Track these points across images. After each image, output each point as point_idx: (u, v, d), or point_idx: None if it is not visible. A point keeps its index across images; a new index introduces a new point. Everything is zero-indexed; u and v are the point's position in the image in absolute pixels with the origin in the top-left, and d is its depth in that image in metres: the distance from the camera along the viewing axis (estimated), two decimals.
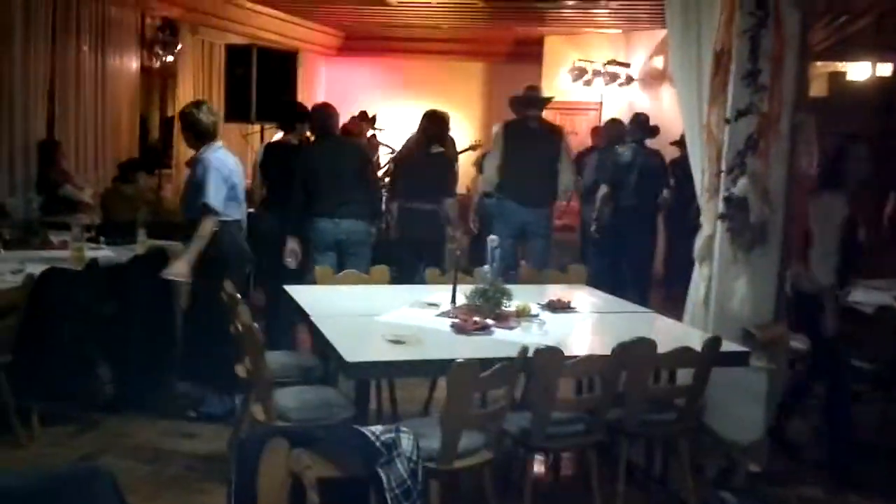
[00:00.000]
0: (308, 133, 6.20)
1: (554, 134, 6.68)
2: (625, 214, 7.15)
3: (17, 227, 5.66)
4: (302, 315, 4.00)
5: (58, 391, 4.61)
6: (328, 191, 5.71)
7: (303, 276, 5.57)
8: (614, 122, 8.26)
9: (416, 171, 6.52)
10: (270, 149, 6.53)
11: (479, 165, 8.63)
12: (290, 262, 5.68)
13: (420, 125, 6.76)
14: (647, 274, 7.59)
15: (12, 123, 7.10)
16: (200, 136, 4.87)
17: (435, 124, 6.65)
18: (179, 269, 4.73)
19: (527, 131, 6.56)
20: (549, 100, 6.98)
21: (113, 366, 4.99)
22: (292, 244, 5.68)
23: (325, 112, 6.08)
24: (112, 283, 4.97)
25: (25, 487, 1.93)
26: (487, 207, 7.12)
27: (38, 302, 4.40)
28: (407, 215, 6.48)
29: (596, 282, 5.37)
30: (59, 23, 7.52)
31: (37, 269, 4.52)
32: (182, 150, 9.49)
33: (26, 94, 7.20)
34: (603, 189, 7.18)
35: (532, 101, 6.64)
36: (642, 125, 7.44)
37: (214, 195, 4.71)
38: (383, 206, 7.12)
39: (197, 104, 5.00)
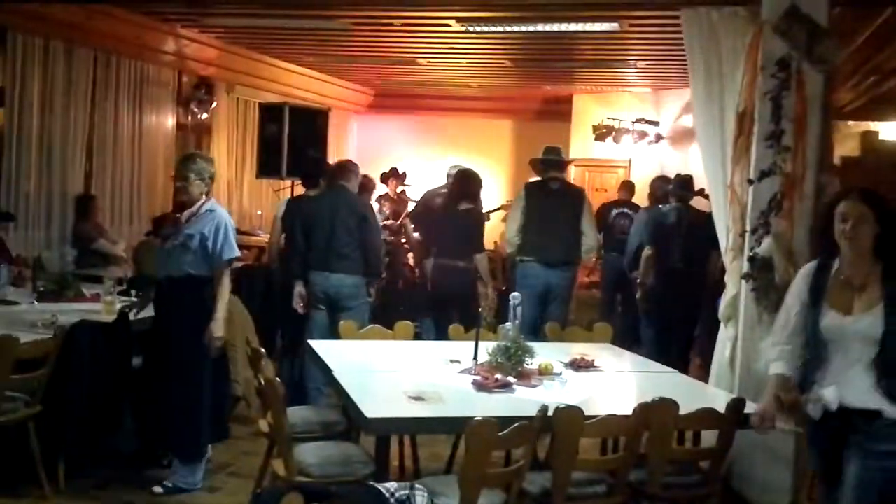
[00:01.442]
0: None
1: (574, 194, 6.68)
2: (671, 278, 6.72)
3: (52, 280, 5.76)
4: (324, 370, 4.02)
5: (85, 443, 4.65)
6: (321, 243, 5.83)
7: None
8: (662, 180, 8.05)
9: (448, 227, 6.58)
10: (292, 203, 6.65)
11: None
12: (299, 306, 5.86)
13: (452, 182, 6.85)
14: (690, 340, 7.28)
15: (51, 178, 7.29)
16: (208, 186, 4.65)
17: (467, 182, 6.72)
18: (221, 330, 4.57)
19: (547, 192, 6.57)
20: (568, 162, 6.98)
21: (139, 418, 5.02)
22: (299, 288, 5.85)
23: (336, 165, 6.28)
24: (141, 336, 5.03)
25: None
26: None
27: (69, 353, 4.47)
28: (439, 272, 6.54)
29: (651, 354, 5.35)
30: (98, 80, 7.75)
31: (69, 321, 4.60)
32: None
33: (65, 150, 7.41)
34: (647, 251, 6.88)
35: (551, 163, 6.65)
36: (685, 184, 7.18)
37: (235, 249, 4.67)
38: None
39: (202, 154, 4.95)
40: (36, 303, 5.36)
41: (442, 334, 5.74)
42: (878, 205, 3.06)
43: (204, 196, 4.60)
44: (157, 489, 4.53)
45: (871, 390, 3.00)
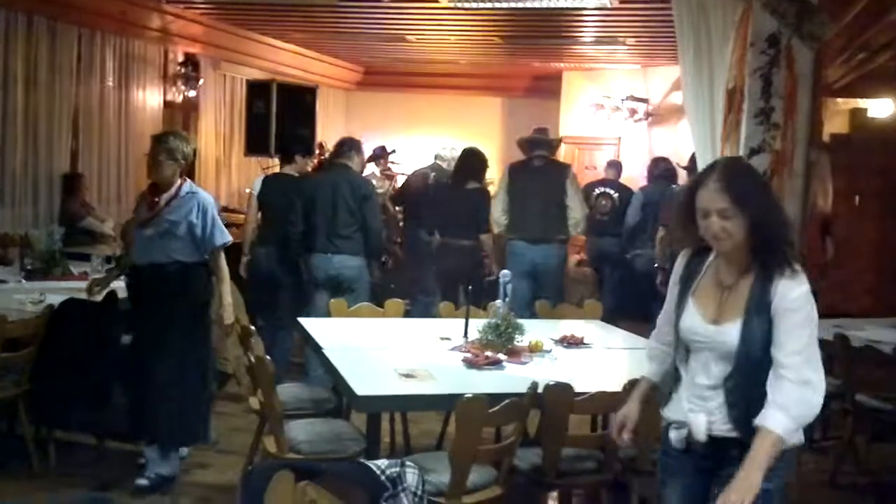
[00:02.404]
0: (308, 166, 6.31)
1: (558, 169, 6.66)
2: None
3: (39, 258, 5.74)
4: (314, 347, 4.03)
5: (74, 421, 4.65)
6: (323, 224, 5.81)
7: (298, 309, 5.62)
8: (662, 161, 8.10)
9: (455, 206, 6.59)
10: (268, 181, 6.52)
11: None
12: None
13: (459, 161, 6.83)
14: None
15: (37, 156, 7.23)
16: (181, 167, 4.42)
17: (472, 160, 6.70)
18: (231, 316, 4.50)
19: (530, 170, 6.55)
20: (557, 141, 6.94)
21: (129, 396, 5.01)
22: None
23: (337, 143, 6.26)
24: (129, 313, 5.01)
25: None
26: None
27: (57, 332, 4.46)
28: (446, 250, 6.58)
29: None
30: (83, 57, 7.66)
31: (57, 300, 4.58)
32: (203, 183, 9.61)
33: (51, 128, 7.34)
34: (661, 232, 6.85)
35: (538, 142, 6.62)
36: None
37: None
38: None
39: (176, 133, 4.71)
40: (24, 281, 5.33)
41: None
42: (745, 192, 2.38)
43: (178, 178, 4.39)
44: (142, 482, 4.32)
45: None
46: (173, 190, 4.39)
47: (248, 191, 6.26)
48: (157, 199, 4.41)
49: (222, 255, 4.50)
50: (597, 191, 8.61)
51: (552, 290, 6.36)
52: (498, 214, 6.56)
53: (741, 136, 4.32)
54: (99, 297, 4.74)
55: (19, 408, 4.36)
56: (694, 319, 2.51)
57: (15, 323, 4.28)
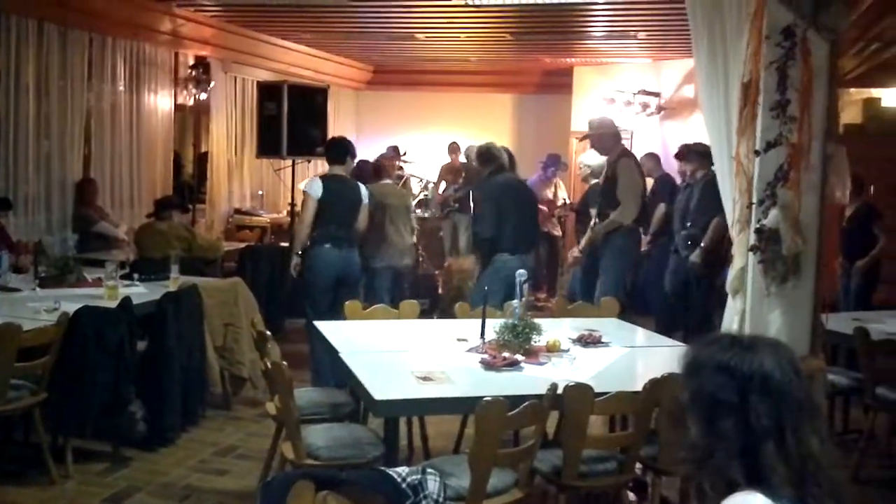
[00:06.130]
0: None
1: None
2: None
3: (53, 265, 5.73)
4: (330, 351, 4.00)
5: (91, 428, 4.65)
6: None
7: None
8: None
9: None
10: (328, 183, 6.21)
11: None
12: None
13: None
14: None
15: (49, 163, 7.24)
16: None
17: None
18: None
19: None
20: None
21: (146, 403, 5.01)
22: (296, 260, 6.18)
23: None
24: (144, 319, 5.01)
25: None
26: None
27: (72, 340, 4.45)
28: None
29: None
30: (94, 62, 7.67)
31: (71, 307, 4.57)
32: (215, 186, 9.62)
33: (63, 134, 7.34)
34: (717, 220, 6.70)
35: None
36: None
37: None
38: None
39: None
40: (38, 289, 5.32)
41: None
42: None
43: None
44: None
45: None
46: None
47: (304, 191, 6.26)
48: None
49: None
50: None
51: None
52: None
53: (757, 130, 4.27)
54: None
55: (35, 416, 4.35)
56: None
57: (30, 332, 4.26)
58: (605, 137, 6.74)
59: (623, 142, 7.01)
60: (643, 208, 6.71)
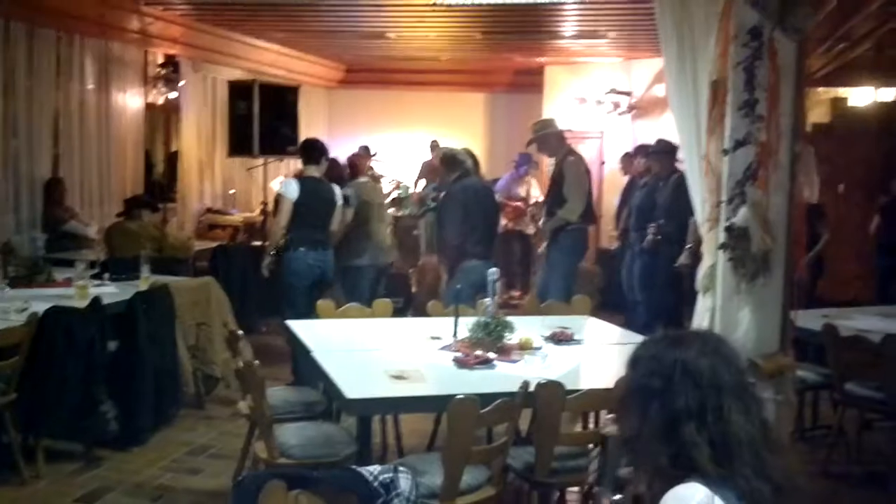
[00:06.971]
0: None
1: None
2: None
3: (23, 265, 5.67)
4: (302, 350, 4.00)
5: (62, 428, 4.61)
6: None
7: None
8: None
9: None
10: (304, 184, 6.23)
11: None
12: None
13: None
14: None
15: (17, 162, 7.15)
16: None
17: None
18: None
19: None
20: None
21: (118, 402, 4.97)
22: (268, 260, 6.15)
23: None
24: (115, 319, 4.98)
25: None
26: None
27: (42, 340, 4.42)
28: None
29: None
30: (62, 61, 7.58)
31: (41, 307, 4.54)
32: (186, 185, 9.55)
33: (31, 133, 7.26)
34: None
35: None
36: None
37: None
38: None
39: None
40: (7, 289, 5.27)
41: None
42: None
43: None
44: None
45: None
46: None
47: (280, 193, 6.24)
48: None
49: None
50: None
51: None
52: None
53: (726, 129, 4.32)
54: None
55: (6, 417, 4.31)
56: None
57: (0, 332, 4.23)
58: (550, 138, 6.82)
59: (567, 142, 7.03)
60: (589, 206, 6.80)
